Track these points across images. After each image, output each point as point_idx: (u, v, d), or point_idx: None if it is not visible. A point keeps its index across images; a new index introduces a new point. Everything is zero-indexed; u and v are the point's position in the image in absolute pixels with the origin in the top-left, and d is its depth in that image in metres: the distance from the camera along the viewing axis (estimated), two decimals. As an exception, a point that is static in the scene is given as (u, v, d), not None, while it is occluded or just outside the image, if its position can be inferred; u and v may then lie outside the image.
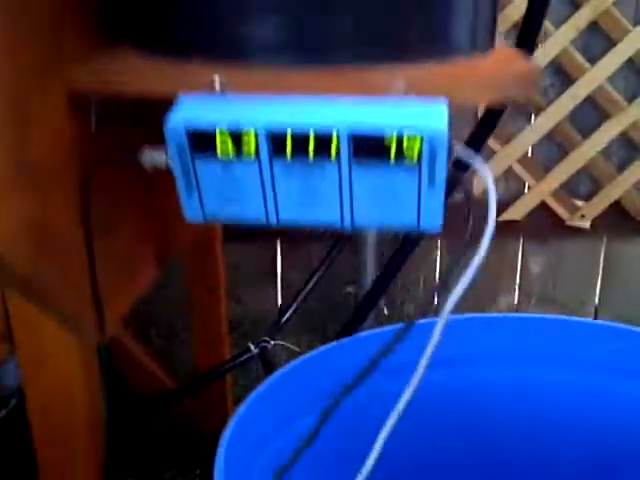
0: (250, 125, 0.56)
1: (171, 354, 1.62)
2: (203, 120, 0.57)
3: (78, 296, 0.63)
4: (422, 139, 0.55)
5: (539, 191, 1.58)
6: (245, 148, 0.57)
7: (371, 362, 0.65)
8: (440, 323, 0.59)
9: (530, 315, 1.02)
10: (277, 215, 0.62)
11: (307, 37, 0.60)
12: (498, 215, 1.59)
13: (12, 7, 0.53)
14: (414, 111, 0.58)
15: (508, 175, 1.60)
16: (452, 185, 0.73)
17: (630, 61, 1.51)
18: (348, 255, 1.61)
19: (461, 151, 0.59)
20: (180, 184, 0.60)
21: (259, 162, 0.58)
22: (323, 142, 0.57)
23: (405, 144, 0.56)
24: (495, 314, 0.98)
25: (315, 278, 1.24)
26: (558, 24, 1.49)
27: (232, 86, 0.60)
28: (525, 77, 0.60)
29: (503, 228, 1.62)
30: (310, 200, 0.60)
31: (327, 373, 0.86)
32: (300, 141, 0.57)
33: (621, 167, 1.60)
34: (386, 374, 0.79)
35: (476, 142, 0.78)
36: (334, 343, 0.92)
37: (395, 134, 0.55)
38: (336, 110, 0.58)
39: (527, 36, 0.71)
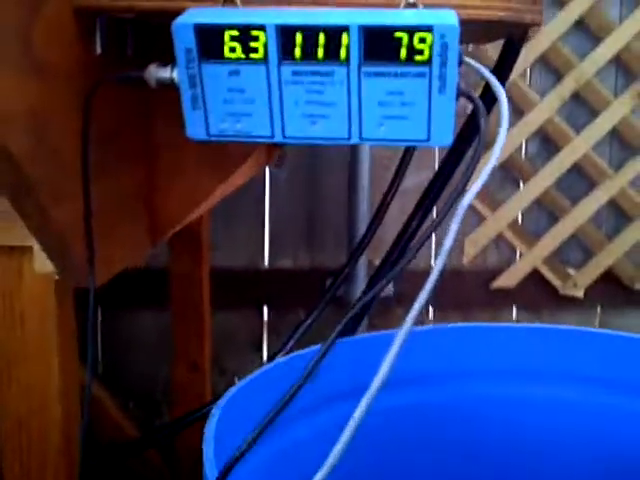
0: (260, 23, 0.56)
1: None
2: (212, 19, 0.57)
3: (70, 213, 0.60)
4: (434, 33, 0.55)
5: (531, 258, 1.58)
6: (253, 48, 0.57)
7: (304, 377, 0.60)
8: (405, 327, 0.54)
9: (517, 325, 0.98)
10: (283, 130, 0.60)
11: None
12: (490, 282, 1.59)
13: None
14: (424, 13, 0.58)
15: (499, 242, 1.60)
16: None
17: (614, 130, 1.55)
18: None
19: (472, 62, 0.59)
20: (185, 96, 0.59)
21: (267, 64, 0.57)
22: (333, 41, 0.56)
23: (416, 40, 0.55)
24: (476, 324, 0.93)
25: (301, 329, 1.19)
26: (543, 94, 1.54)
27: (242, 3, 0.61)
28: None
29: (496, 297, 1.60)
30: (317, 111, 0.59)
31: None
32: (310, 40, 0.56)
33: (612, 235, 1.60)
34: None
35: (501, 73, 0.79)
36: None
37: (406, 28, 0.55)
38: (346, 13, 0.58)
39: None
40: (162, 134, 0.73)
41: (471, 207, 1.58)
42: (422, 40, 0.56)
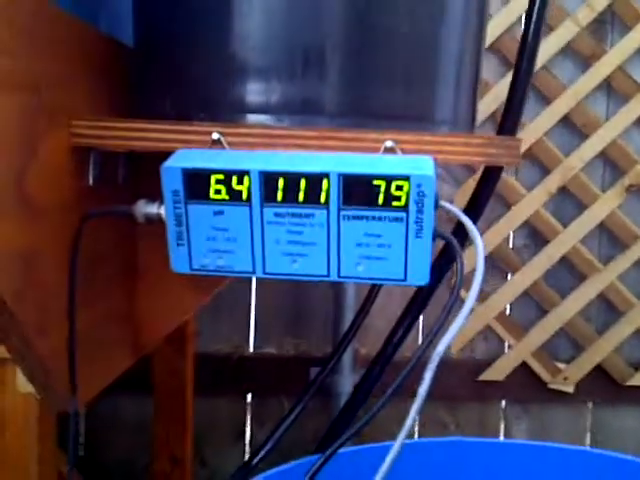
0: (245, 168, 0.58)
1: None
2: (199, 163, 0.59)
3: (53, 344, 0.61)
4: (410, 182, 0.57)
5: (520, 351, 1.58)
6: (238, 191, 0.59)
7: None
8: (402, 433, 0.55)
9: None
10: (264, 267, 0.62)
11: (302, 102, 0.64)
12: (478, 374, 1.59)
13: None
14: (402, 161, 0.60)
15: (487, 334, 1.61)
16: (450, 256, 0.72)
17: (603, 224, 1.57)
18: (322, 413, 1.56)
19: (448, 206, 0.61)
20: (171, 232, 0.61)
21: (250, 206, 0.59)
22: (314, 186, 0.58)
23: (393, 187, 0.58)
24: (480, 439, 0.94)
25: (284, 424, 1.19)
26: (530, 188, 1.56)
27: (229, 145, 0.63)
28: (509, 143, 0.63)
29: (484, 389, 1.59)
30: (297, 250, 0.61)
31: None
32: (292, 184, 0.58)
33: (601, 330, 1.61)
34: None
35: (477, 205, 0.79)
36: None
37: (384, 177, 0.57)
38: (328, 159, 0.60)
39: (507, 124, 0.75)
40: (146, 255, 0.75)
41: (459, 298, 1.58)
42: (399, 187, 0.58)
